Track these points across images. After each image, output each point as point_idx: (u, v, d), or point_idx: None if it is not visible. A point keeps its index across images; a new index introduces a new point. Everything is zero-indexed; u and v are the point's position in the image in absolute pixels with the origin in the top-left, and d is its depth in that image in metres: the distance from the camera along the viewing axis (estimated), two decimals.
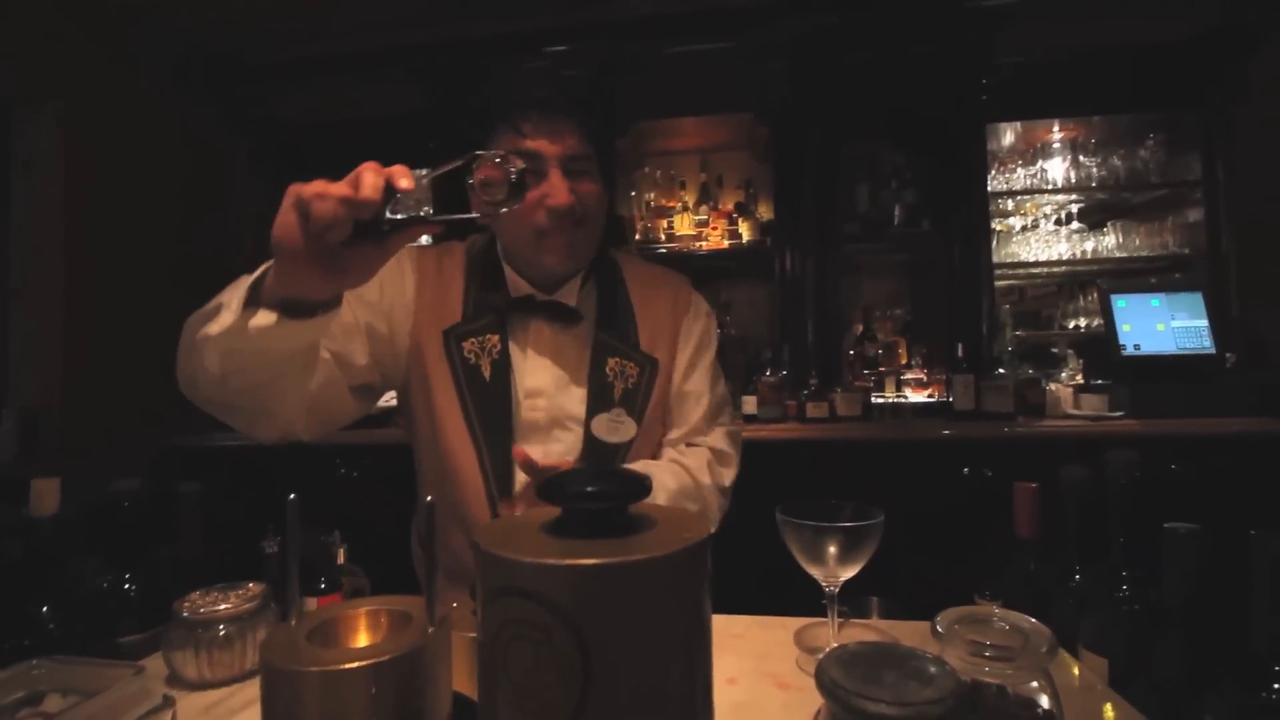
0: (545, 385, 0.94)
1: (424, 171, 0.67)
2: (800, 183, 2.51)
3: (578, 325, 0.97)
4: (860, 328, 2.68)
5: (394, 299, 0.95)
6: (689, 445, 1.03)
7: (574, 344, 0.97)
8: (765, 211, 2.77)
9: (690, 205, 2.81)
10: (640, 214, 2.85)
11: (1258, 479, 1.90)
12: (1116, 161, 2.51)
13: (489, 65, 2.64)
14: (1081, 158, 2.53)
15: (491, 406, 0.92)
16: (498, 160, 0.65)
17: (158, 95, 2.65)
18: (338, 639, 0.43)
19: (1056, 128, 2.60)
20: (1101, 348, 2.21)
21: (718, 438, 1.04)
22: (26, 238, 2.31)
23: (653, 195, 2.89)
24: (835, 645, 0.68)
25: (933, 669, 0.42)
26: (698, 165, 2.90)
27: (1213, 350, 2.08)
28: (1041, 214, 2.71)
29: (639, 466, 0.96)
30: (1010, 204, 2.69)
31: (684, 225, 2.75)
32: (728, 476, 1.03)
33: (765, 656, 0.68)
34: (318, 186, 0.57)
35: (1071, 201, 2.63)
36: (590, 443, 0.93)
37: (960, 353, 2.26)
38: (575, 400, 0.95)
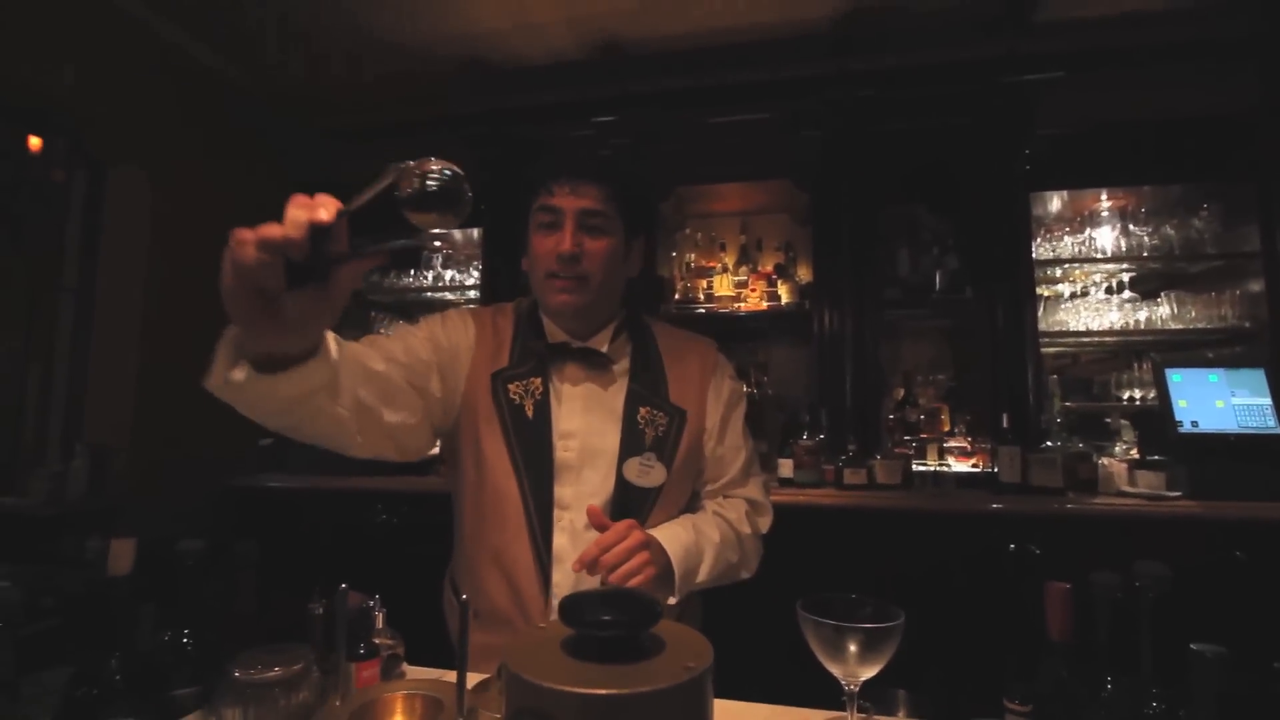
0: (577, 427, 1.02)
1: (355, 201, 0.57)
2: (839, 247, 2.54)
3: (608, 372, 1.06)
4: (901, 392, 2.65)
5: (457, 343, 1.05)
6: (726, 497, 1.11)
7: (605, 391, 1.05)
8: (805, 274, 2.81)
9: (730, 266, 2.87)
10: (680, 274, 2.92)
11: None
12: (1169, 230, 2.46)
13: (540, 133, 2.80)
14: (1132, 226, 2.50)
15: (534, 443, 1.00)
16: (418, 171, 0.56)
17: (232, 158, 2.89)
18: None
19: (1105, 196, 2.58)
20: (1157, 422, 2.13)
21: (754, 488, 1.12)
22: (111, 286, 2.52)
23: (693, 256, 2.97)
24: None
25: None
26: (738, 227, 2.97)
27: (1278, 430, 1.98)
28: (1091, 282, 2.66)
29: (686, 520, 1.02)
30: (1058, 271, 2.65)
31: (723, 286, 2.80)
32: (764, 525, 1.12)
33: None
34: (243, 232, 0.54)
35: (1123, 270, 2.58)
36: (621, 485, 0.99)
37: (1005, 423, 2.21)
38: (607, 443, 1.01)
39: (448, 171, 0.56)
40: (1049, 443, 2.18)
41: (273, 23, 2.53)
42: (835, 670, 0.66)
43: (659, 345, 1.12)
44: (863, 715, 0.74)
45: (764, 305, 2.74)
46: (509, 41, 2.66)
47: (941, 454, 2.44)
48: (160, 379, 2.52)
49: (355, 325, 3.28)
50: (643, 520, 0.98)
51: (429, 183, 0.55)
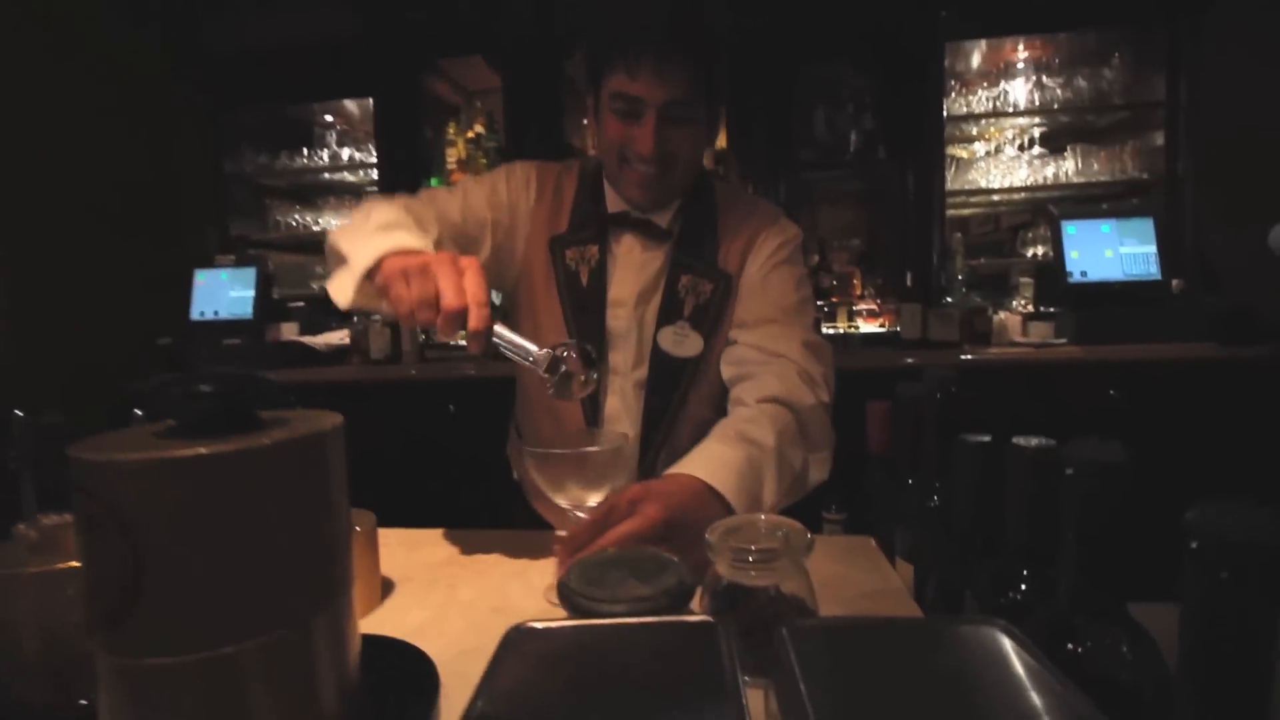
0: (627, 296, 0.99)
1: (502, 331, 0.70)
2: (755, 110, 2.43)
3: (665, 244, 1.00)
4: (816, 258, 2.65)
5: (516, 201, 1.02)
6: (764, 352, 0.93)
7: (657, 262, 1.00)
8: (720, 140, 2.69)
9: None
10: (593, 144, 2.76)
11: (1197, 404, 1.93)
12: (1081, 82, 2.42)
13: None
14: (1045, 79, 2.44)
15: (586, 310, 0.98)
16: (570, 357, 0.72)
17: (89, 28, 2.52)
18: (59, 552, 0.43)
19: (1021, 46, 2.50)
20: (1051, 275, 2.19)
21: (797, 349, 0.91)
22: None
23: None
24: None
25: (660, 572, 0.42)
26: None
27: (1159, 276, 2.06)
28: (1004, 139, 2.64)
29: (726, 431, 0.82)
30: (974, 129, 2.61)
31: None
32: (826, 395, 0.91)
33: None
34: (424, 314, 0.65)
35: (1035, 125, 2.56)
36: (657, 354, 0.97)
37: (909, 282, 2.24)
38: (650, 313, 0.99)
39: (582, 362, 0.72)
40: (948, 299, 2.22)
41: None
42: (562, 501, 0.67)
43: (719, 209, 1.03)
44: None
45: None
46: None
47: (851, 316, 2.49)
48: (32, 289, 2.30)
49: (251, 215, 3.04)
50: (681, 394, 0.96)
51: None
